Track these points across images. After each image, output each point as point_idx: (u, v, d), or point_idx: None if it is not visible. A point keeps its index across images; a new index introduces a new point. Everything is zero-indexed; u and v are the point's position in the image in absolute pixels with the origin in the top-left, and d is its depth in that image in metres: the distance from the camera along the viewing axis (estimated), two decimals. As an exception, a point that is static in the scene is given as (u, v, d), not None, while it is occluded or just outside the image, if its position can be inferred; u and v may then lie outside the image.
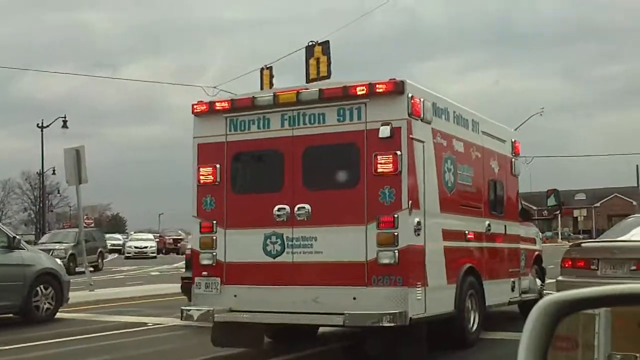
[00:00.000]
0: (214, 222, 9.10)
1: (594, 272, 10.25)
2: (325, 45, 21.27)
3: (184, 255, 15.02)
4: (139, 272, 32.79)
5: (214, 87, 25.59)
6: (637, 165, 62.46)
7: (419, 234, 8.34)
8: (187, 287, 13.10)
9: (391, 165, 8.17)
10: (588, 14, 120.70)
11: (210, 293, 9.03)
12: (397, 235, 8.10)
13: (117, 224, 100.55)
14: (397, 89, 8.27)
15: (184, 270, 14.46)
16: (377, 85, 8.34)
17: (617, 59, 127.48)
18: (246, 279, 8.87)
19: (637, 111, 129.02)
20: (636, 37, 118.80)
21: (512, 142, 11.95)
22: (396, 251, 8.07)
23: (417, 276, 8.30)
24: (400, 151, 8.17)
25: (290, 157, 8.80)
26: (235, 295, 8.88)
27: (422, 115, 8.52)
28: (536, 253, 13.36)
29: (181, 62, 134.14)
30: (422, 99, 8.54)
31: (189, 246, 14.33)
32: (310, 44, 21.28)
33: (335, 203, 8.53)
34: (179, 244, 61.17)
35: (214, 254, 9.05)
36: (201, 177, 9.24)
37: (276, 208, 8.72)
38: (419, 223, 8.34)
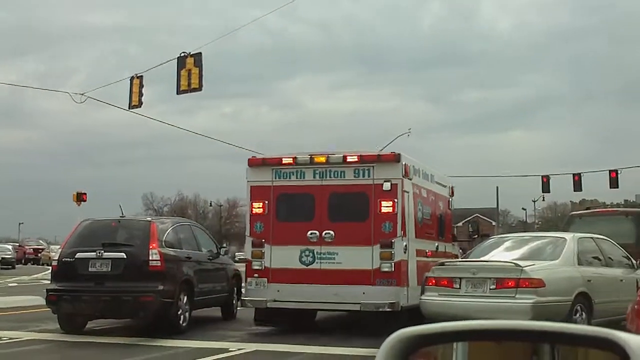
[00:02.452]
0: (263, 240, 13.35)
1: (456, 291, 10.96)
2: (198, 57, 20.91)
3: (51, 267, 14.10)
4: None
5: (82, 94, 25.12)
6: (497, 187, 65.92)
7: (405, 252, 12.91)
8: (52, 299, 12.74)
9: (391, 208, 12.71)
10: (453, 41, 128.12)
11: (259, 289, 13.25)
12: (394, 253, 12.64)
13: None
14: (396, 158, 12.84)
15: (48, 281, 14.12)
16: (383, 156, 12.91)
17: (480, 84, 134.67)
18: (286, 279, 13.15)
19: (497, 134, 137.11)
20: (497, 64, 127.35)
21: (450, 186, 16.86)
22: (393, 263, 12.60)
23: (404, 280, 12.87)
24: (397, 199, 12.73)
25: (320, 199, 13.19)
26: (278, 290, 13.14)
27: (409, 176, 13.13)
28: (459, 265, 18.21)
29: (47, 66, 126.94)
30: (410, 165, 13.14)
31: (55, 257, 13.76)
32: (183, 55, 20.97)
33: (351, 231, 12.96)
34: (39, 254, 58.84)
35: (263, 262, 13.29)
36: (253, 209, 13.49)
37: (309, 232, 13.06)
38: (405, 245, 12.91)
